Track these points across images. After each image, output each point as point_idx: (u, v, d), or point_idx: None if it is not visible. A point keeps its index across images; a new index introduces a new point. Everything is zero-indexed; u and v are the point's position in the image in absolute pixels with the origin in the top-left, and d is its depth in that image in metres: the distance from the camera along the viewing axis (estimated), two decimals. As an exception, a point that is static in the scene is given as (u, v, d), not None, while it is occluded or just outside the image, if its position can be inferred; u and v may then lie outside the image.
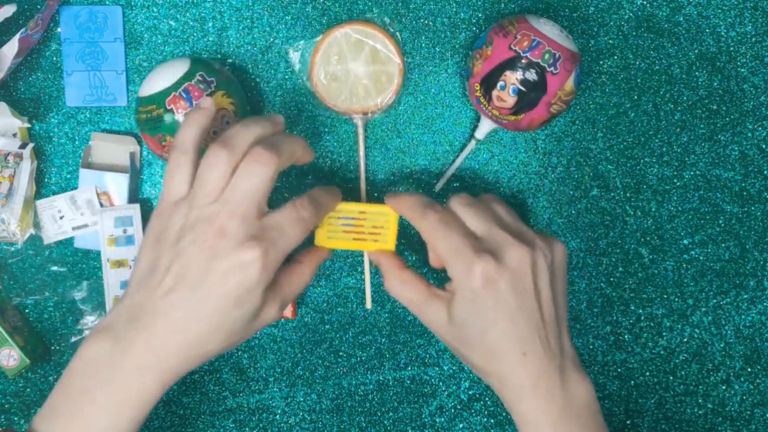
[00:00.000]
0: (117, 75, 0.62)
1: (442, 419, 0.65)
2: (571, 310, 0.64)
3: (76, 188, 0.62)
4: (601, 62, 0.63)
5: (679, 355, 0.65)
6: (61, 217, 0.61)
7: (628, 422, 0.65)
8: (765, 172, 0.64)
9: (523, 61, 0.55)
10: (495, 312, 0.50)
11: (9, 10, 0.58)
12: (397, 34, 0.61)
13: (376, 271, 0.64)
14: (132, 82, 0.62)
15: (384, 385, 0.65)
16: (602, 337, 0.65)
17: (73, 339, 0.63)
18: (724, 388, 0.65)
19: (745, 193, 0.64)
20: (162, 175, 0.63)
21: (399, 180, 0.63)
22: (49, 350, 0.63)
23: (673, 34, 0.63)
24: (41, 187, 0.62)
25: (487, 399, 0.65)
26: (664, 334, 0.65)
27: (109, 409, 0.47)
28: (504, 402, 0.52)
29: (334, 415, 0.65)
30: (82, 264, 0.63)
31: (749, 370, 0.65)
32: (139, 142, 0.62)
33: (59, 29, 0.61)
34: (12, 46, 0.57)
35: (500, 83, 0.56)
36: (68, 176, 0.63)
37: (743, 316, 0.65)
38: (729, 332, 0.65)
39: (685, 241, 0.64)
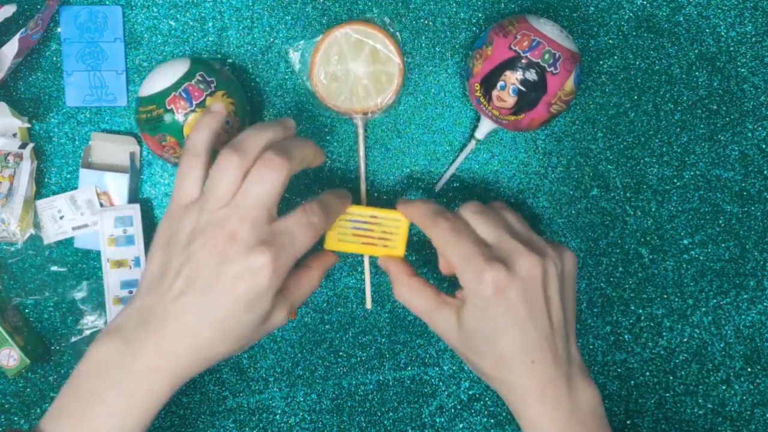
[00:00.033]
0: (117, 75, 0.62)
1: (442, 419, 0.65)
2: (571, 310, 0.64)
3: (76, 188, 0.62)
4: (601, 62, 0.63)
5: (679, 355, 0.65)
6: (61, 217, 0.61)
7: (628, 422, 0.65)
8: (765, 172, 0.64)
9: (523, 61, 0.55)
10: (505, 320, 0.50)
11: (9, 10, 0.58)
12: (397, 34, 0.61)
13: (376, 271, 0.64)
14: (132, 82, 0.62)
15: (384, 385, 0.65)
16: (602, 337, 0.65)
17: (73, 339, 0.63)
18: (724, 388, 0.65)
19: (745, 193, 0.64)
20: (162, 175, 0.63)
21: (399, 180, 0.64)
22: (49, 350, 0.63)
23: (673, 34, 0.63)
24: (41, 187, 0.62)
25: (487, 399, 0.65)
26: (664, 334, 0.65)
27: (118, 410, 0.47)
28: (511, 408, 0.53)
29: (334, 415, 0.65)
30: (82, 264, 0.63)
31: (749, 370, 0.65)
32: (139, 142, 0.62)
33: (59, 29, 0.61)
34: (12, 46, 0.57)
35: (500, 83, 0.56)
36: (68, 176, 0.63)
37: (743, 316, 0.65)
38: (729, 332, 0.65)
39: (685, 241, 0.64)
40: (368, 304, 0.63)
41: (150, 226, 0.63)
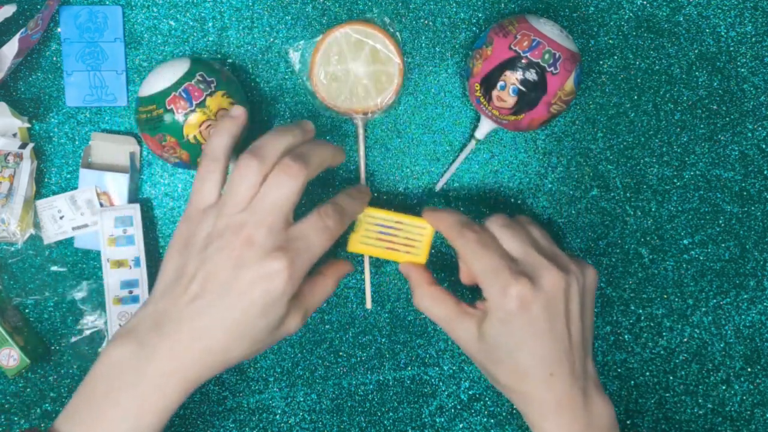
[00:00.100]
0: (117, 75, 0.62)
1: (442, 419, 0.65)
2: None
3: (76, 188, 0.62)
4: (601, 62, 0.63)
5: (679, 355, 0.65)
6: (61, 217, 0.61)
7: (628, 422, 0.65)
8: (765, 172, 0.64)
9: (523, 61, 0.55)
10: (526, 333, 0.51)
11: (9, 10, 0.58)
12: (397, 34, 0.61)
13: (376, 271, 0.64)
14: (132, 82, 0.62)
15: (384, 385, 0.65)
16: (602, 337, 0.65)
17: (73, 339, 0.63)
18: (724, 388, 0.65)
19: (745, 193, 0.64)
20: (162, 175, 0.63)
21: (399, 180, 0.64)
22: (49, 350, 0.63)
23: (673, 34, 0.63)
24: (41, 187, 0.62)
25: (487, 399, 0.65)
26: (664, 334, 0.65)
27: (132, 413, 0.47)
28: (527, 420, 0.53)
29: (334, 415, 0.65)
30: (82, 264, 0.63)
31: (749, 370, 0.65)
32: (139, 142, 0.62)
33: (59, 29, 0.61)
34: (12, 46, 0.57)
35: (500, 83, 0.56)
36: (68, 176, 0.63)
37: (743, 316, 0.65)
38: (729, 332, 0.65)
39: (685, 241, 0.64)
40: (368, 304, 0.63)
41: (150, 226, 0.63)
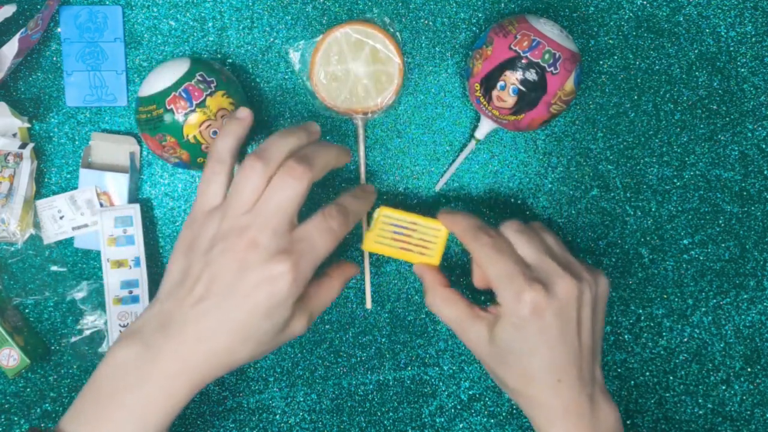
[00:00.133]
0: (117, 75, 0.62)
1: (442, 419, 0.65)
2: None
3: (76, 188, 0.62)
4: (601, 62, 0.63)
5: (679, 355, 0.65)
6: (61, 217, 0.61)
7: (628, 422, 0.65)
8: (765, 172, 0.64)
9: (523, 61, 0.55)
10: (538, 340, 0.51)
11: (9, 10, 0.58)
12: (397, 34, 0.61)
13: (376, 271, 0.64)
14: (132, 82, 0.62)
15: (384, 385, 0.65)
16: (602, 337, 0.65)
17: (73, 339, 0.63)
18: (724, 388, 0.65)
19: (745, 193, 0.64)
20: (162, 175, 0.63)
21: (399, 180, 0.63)
22: (49, 350, 0.63)
23: (673, 34, 0.63)
24: (41, 187, 0.62)
25: (487, 399, 0.65)
26: (664, 334, 0.65)
27: (137, 414, 0.47)
28: (534, 425, 0.54)
29: (334, 415, 0.65)
30: (82, 264, 0.63)
31: (749, 370, 0.65)
32: (139, 142, 0.62)
33: (59, 29, 0.61)
34: (12, 46, 0.57)
35: (500, 83, 0.56)
36: (68, 176, 0.63)
37: (743, 316, 0.65)
38: (729, 332, 0.65)
39: (685, 241, 0.64)
40: (368, 304, 0.63)
41: (150, 226, 0.63)
